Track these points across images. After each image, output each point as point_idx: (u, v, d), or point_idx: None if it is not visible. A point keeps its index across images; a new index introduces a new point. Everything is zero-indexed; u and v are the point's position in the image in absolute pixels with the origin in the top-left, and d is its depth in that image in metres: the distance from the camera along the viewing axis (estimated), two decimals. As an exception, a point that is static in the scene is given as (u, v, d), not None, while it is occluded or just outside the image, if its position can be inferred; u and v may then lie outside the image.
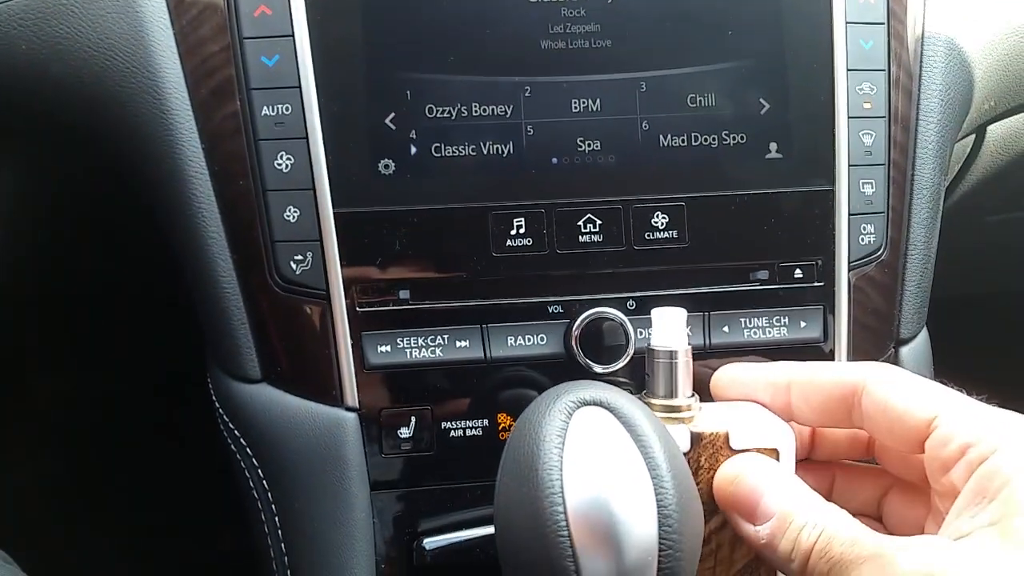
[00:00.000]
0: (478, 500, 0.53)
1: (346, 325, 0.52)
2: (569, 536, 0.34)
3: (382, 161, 0.52)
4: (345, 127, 0.51)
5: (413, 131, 0.52)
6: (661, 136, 0.53)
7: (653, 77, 0.54)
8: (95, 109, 0.54)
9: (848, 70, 0.56)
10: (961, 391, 0.41)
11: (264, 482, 0.53)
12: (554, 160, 0.53)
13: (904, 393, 0.41)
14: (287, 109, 0.51)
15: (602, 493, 0.34)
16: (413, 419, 0.53)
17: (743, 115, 0.54)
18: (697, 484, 0.43)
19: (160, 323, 0.96)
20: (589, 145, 0.53)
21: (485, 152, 0.52)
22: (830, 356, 0.56)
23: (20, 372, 1.04)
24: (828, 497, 0.48)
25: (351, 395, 0.52)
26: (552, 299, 0.53)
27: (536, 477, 0.35)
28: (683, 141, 0.54)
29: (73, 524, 1.06)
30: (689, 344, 0.46)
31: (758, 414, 0.45)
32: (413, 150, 0.52)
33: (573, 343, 0.52)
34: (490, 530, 0.50)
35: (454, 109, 0.52)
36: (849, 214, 0.55)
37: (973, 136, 0.72)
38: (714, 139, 0.54)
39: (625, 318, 0.53)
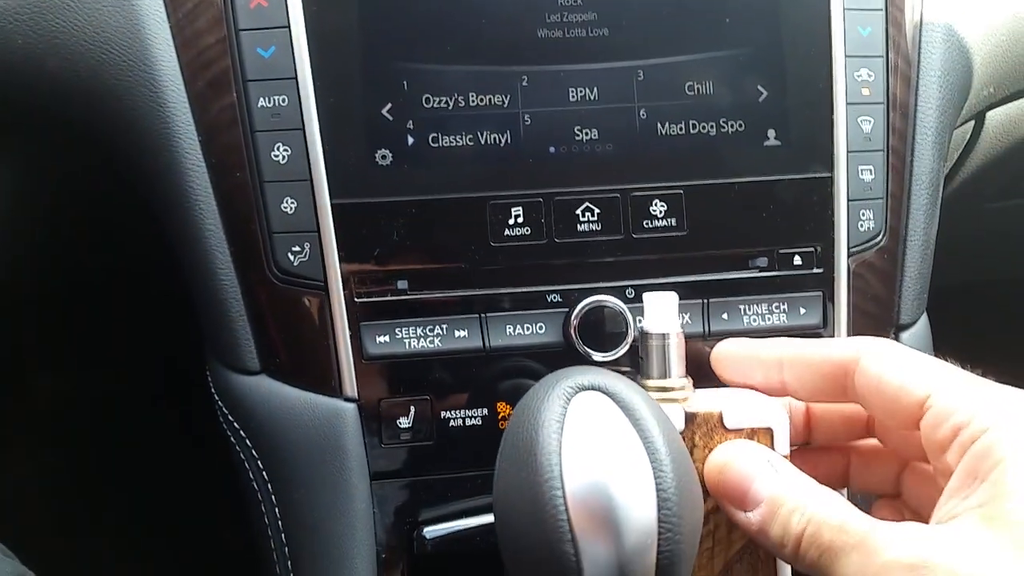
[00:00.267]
0: (478, 489, 0.53)
1: (344, 316, 0.52)
2: (568, 520, 0.33)
3: (379, 151, 0.52)
4: (341, 118, 0.51)
5: (410, 121, 0.52)
6: (659, 124, 0.53)
7: (650, 65, 0.53)
8: (92, 103, 0.54)
9: (846, 57, 0.55)
10: (957, 364, 0.41)
11: (264, 473, 0.53)
12: (552, 149, 0.53)
13: (897, 370, 0.41)
14: (283, 101, 0.51)
15: (601, 477, 0.34)
16: (412, 409, 0.53)
17: (741, 102, 0.54)
18: (692, 463, 0.44)
19: (160, 321, 0.97)
20: (587, 134, 0.53)
21: (482, 142, 0.52)
22: (829, 343, 0.56)
23: (20, 371, 1.04)
24: (846, 480, 0.48)
25: (350, 386, 0.52)
26: (551, 288, 0.53)
27: (535, 462, 0.35)
28: (681, 129, 0.53)
29: (73, 524, 1.06)
30: (682, 327, 0.47)
31: (752, 395, 0.46)
32: (410, 140, 0.52)
33: (572, 332, 0.52)
34: (490, 519, 0.50)
35: (451, 99, 0.52)
36: (848, 200, 0.55)
37: (972, 122, 0.72)
38: (712, 127, 0.54)
39: (624, 306, 0.53)
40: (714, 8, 0.54)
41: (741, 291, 0.55)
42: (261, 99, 0.51)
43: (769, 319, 0.55)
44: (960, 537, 0.35)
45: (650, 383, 0.46)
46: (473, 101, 0.52)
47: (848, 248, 0.55)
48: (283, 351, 0.53)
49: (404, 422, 0.53)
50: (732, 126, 0.54)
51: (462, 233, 0.52)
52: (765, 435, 0.44)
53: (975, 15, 0.63)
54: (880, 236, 0.56)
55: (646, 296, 0.47)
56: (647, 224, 0.53)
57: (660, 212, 0.53)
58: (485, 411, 0.53)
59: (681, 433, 0.43)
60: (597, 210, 0.53)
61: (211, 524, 1.08)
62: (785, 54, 0.54)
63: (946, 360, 0.42)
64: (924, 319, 0.60)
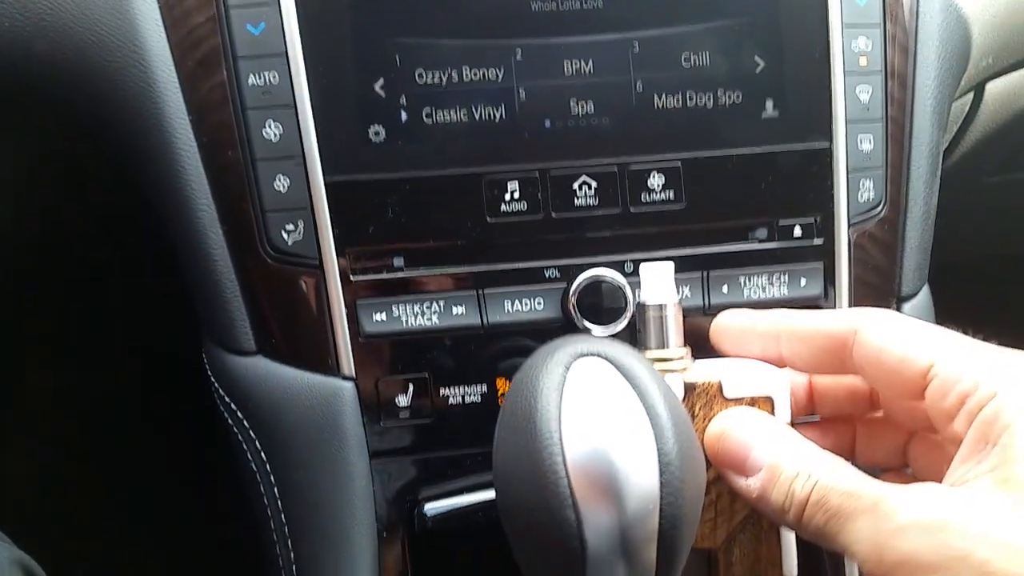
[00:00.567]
0: (478, 467, 0.52)
1: (340, 294, 0.51)
2: (569, 486, 0.33)
3: (372, 128, 0.51)
4: (333, 94, 0.51)
5: (403, 97, 0.51)
6: (656, 96, 0.53)
7: (646, 37, 0.53)
8: (81, 85, 0.53)
9: (843, 26, 0.55)
10: (959, 331, 0.40)
11: (262, 454, 0.53)
12: (547, 123, 0.52)
13: (898, 341, 0.40)
14: (274, 78, 0.51)
15: (602, 442, 0.34)
16: (411, 387, 0.52)
17: (738, 74, 0.53)
18: None
19: (159, 316, 0.96)
20: (583, 107, 0.52)
21: (477, 117, 0.52)
22: (831, 315, 0.55)
23: (18, 369, 1.03)
24: (852, 454, 0.48)
25: (347, 364, 0.52)
26: (548, 263, 0.53)
27: (534, 429, 0.34)
28: (678, 101, 0.53)
29: (72, 520, 1.05)
30: (681, 300, 0.46)
31: (753, 364, 0.45)
32: (403, 116, 0.51)
33: (571, 306, 0.52)
34: (491, 495, 0.49)
35: (444, 73, 0.51)
36: (847, 170, 0.54)
37: (971, 94, 0.71)
38: (709, 98, 0.53)
39: (623, 280, 0.52)
40: (709, -22, 0.53)
41: (741, 263, 0.54)
42: (252, 76, 0.51)
43: (769, 291, 0.54)
44: (974, 499, 0.34)
45: (648, 354, 0.45)
46: (467, 75, 0.51)
47: (848, 218, 0.55)
48: (279, 331, 0.53)
49: (403, 400, 0.52)
50: (729, 97, 0.53)
51: (458, 209, 0.52)
52: (765, 404, 0.44)
53: (973, -17, 0.62)
54: (880, 206, 0.56)
55: (642, 267, 0.47)
56: (645, 197, 0.53)
57: (658, 185, 0.53)
58: (484, 388, 0.53)
59: (681, 403, 0.43)
60: (594, 184, 0.52)
61: (211, 518, 1.08)
62: (782, 24, 0.54)
63: (947, 328, 0.41)
64: (926, 290, 0.60)
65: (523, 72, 0.52)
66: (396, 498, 0.52)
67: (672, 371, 0.44)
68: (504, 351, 0.53)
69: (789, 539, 0.46)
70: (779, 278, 0.54)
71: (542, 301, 0.53)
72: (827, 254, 0.55)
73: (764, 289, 0.54)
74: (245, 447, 0.54)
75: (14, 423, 1.03)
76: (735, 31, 0.53)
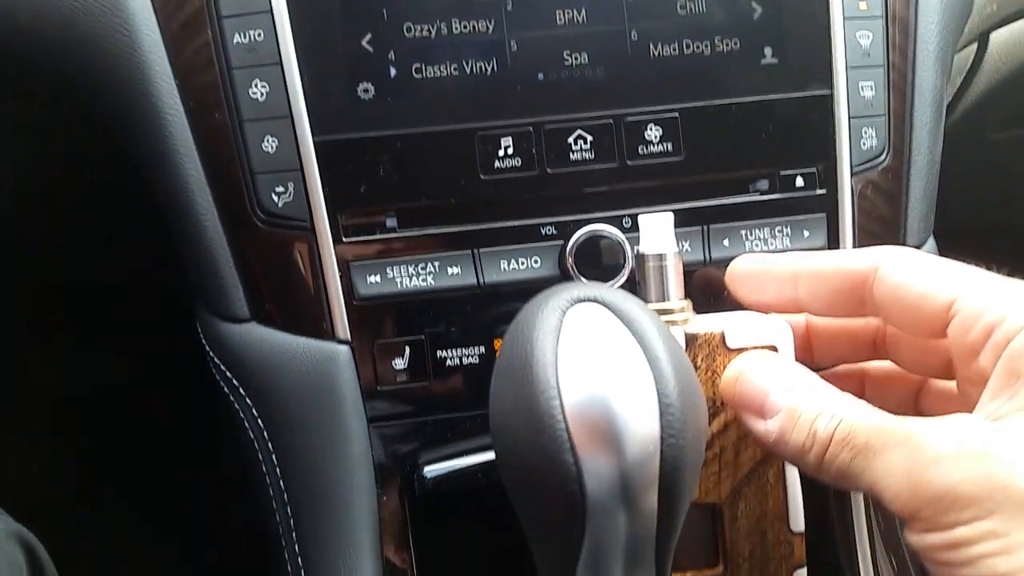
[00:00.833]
0: (478, 430, 0.52)
1: (333, 256, 0.50)
2: (567, 430, 0.32)
3: (361, 85, 0.50)
4: (320, 50, 0.49)
5: (392, 52, 0.50)
6: (651, 45, 0.51)
7: (640, -17, 0.51)
8: (67, 54, 0.52)
9: None
10: (981, 267, 0.39)
11: (259, 421, 0.52)
12: (540, 76, 0.51)
13: (920, 276, 0.38)
14: (259, 35, 0.49)
15: (600, 387, 0.33)
16: (408, 349, 0.51)
17: (735, 20, 0.52)
18: None
19: (158, 300, 0.95)
20: (576, 58, 0.51)
21: (468, 70, 0.50)
22: (835, 267, 0.54)
23: (17, 358, 1.03)
24: None
25: (342, 328, 0.51)
26: (545, 220, 0.52)
27: (530, 375, 0.33)
28: (674, 50, 0.51)
29: (74, 508, 1.05)
30: (682, 254, 0.45)
31: (754, 315, 0.44)
32: (392, 72, 0.50)
33: (568, 264, 0.51)
34: (491, 456, 0.49)
35: (433, 26, 0.50)
36: (849, 118, 0.53)
37: (975, 45, 0.70)
38: (706, 46, 0.52)
39: (621, 235, 0.51)
40: (703, -78, 0.51)
41: (742, 216, 0.53)
42: (237, 35, 0.50)
43: (772, 243, 0.53)
44: (1015, 431, 0.33)
45: (648, 307, 0.44)
46: (456, 28, 0.50)
47: (851, 168, 0.53)
48: (272, 296, 0.52)
49: (400, 363, 0.51)
50: (727, 45, 0.52)
51: (450, 167, 0.51)
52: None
53: (975, -74, 0.61)
54: (883, 155, 0.55)
55: (641, 218, 0.45)
56: (642, 150, 0.52)
57: (655, 137, 0.52)
58: (482, 349, 0.52)
59: None
60: (590, 137, 0.51)
61: (214, 504, 1.08)
62: (779, -32, 0.52)
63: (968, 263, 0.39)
64: (932, 242, 0.58)
65: (514, 23, 0.50)
66: (395, 462, 0.51)
67: (673, 323, 0.43)
68: (501, 311, 0.51)
69: (796, 493, 0.45)
70: (781, 230, 0.53)
71: (539, 259, 0.52)
72: (830, 204, 0.53)
73: (766, 242, 0.53)
74: (242, 415, 0.53)
75: (14, 411, 1.03)
76: None
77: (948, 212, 0.62)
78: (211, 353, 0.54)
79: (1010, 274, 0.38)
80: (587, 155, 0.51)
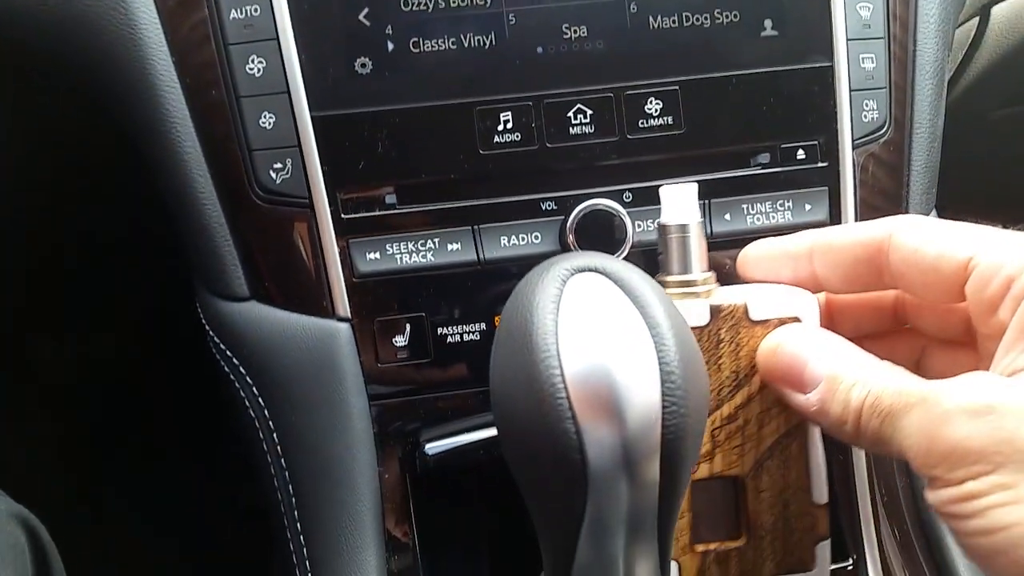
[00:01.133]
0: (479, 407, 0.51)
1: (332, 233, 0.50)
2: (568, 398, 0.32)
3: (358, 60, 0.49)
4: (317, 25, 0.49)
5: (389, 26, 0.49)
6: (651, 17, 0.51)
7: (638, -44, 0.51)
8: (64, 35, 0.52)
9: None
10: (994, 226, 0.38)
11: (260, 399, 0.52)
12: (539, 49, 0.50)
13: (935, 238, 0.38)
14: (256, 10, 0.49)
15: (600, 355, 0.32)
16: (408, 326, 0.51)
17: None
18: (719, 358, 0.42)
19: (157, 281, 0.95)
20: (575, 31, 0.50)
21: (466, 44, 0.50)
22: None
23: (19, 340, 1.03)
24: None
25: (342, 305, 0.51)
26: (545, 195, 0.51)
27: (531, 344, 0.33)
28: (674, 22, 0.51)
29: (75, 490, 1.05)
30: (701, 219, 0.44)
31: (777, 287, 0.44)
32: (390, 46, 0.50)
33: (569, 239, 0.50)
34: (492, 432, 0.48)
35: (430, 0, 0.50)
36: (850, 90, 0.53)
37: (977, 19, 0.69)
38: (706, 18, 0.51)
39: (622, 209, 0.51)
40: None
41: (743, 189, 0.52)
42: (233, 11, 0.49)
43: (774, 217, 0.53)
44: (1021, 386, 0.33)
45: (670, 279, 0.43)
46: (454, 1, 0.50)
47: (852, 140, 0.53)
48: (271, 274, 0.51)
49: (400, 340, 0.51)
50: (727, 16, 0.51)
51: (449, 141, 0.50)
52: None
53: None
54: (885, 127, 0.54)
55: (662, 190, 0.44)
56: (642, 124, 0.51)
57: (656, 110, 0.51)
58: (483, 325, 0.51)
59: (706, 328, 0.42)
60: (590, 111, 0.51)
61: (215, 504, 1.08)
62: (778, -62, 0.52)
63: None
64: (935, 215, 0.58)
65: None
66: (396, 439, 0.51)
67: (696, 295, 0.43)
68: (502, 287, 0.51)
69: (819, 465, 0.44)
70: (783, 203, 0.53)
71: (539, 235, 0.51)
72: (832, 177, 0.53)
73: (768, 216, 0.53)
74: (243, 394, 0.53)
75: (15, 392, 1.03)
76: None
77: (949, 190, 0.61)
78: (211, 333, 0.54)
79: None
80: (587, 129, 0.51)
